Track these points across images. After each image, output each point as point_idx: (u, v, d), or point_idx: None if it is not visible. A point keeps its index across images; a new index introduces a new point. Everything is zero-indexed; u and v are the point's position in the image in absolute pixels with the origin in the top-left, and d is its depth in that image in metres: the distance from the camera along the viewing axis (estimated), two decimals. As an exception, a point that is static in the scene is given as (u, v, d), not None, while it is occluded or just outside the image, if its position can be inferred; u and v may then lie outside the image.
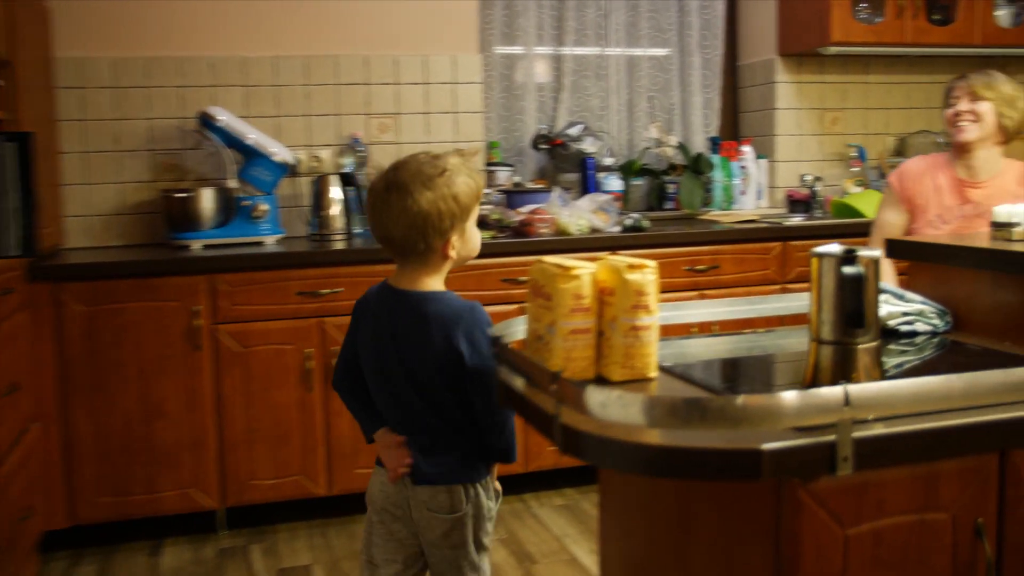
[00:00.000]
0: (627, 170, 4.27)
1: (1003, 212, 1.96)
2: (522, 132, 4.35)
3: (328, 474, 3.33)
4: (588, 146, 4.19)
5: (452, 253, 1.84)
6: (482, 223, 3.54)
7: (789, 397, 1.17)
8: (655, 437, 1.24)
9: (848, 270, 1.33)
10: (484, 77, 4.19)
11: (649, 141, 4.36)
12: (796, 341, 1.90)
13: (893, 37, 4.12)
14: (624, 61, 4.47)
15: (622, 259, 1.60)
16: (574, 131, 4.22)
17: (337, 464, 3.33)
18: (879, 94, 4.57)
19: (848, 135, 4.55)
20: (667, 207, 4.28)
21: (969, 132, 3.02)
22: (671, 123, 4.52)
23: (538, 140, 4.22)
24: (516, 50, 4.30)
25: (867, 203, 4.05)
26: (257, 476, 3.27)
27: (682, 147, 4.34)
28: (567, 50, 4.36)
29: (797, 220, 4.07)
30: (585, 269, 1.59)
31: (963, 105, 3.05)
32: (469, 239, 1.88)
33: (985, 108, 3.01)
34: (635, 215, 3.74)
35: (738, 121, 4.71)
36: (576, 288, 1.57)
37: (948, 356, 1.78)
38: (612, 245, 3.56)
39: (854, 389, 1.20)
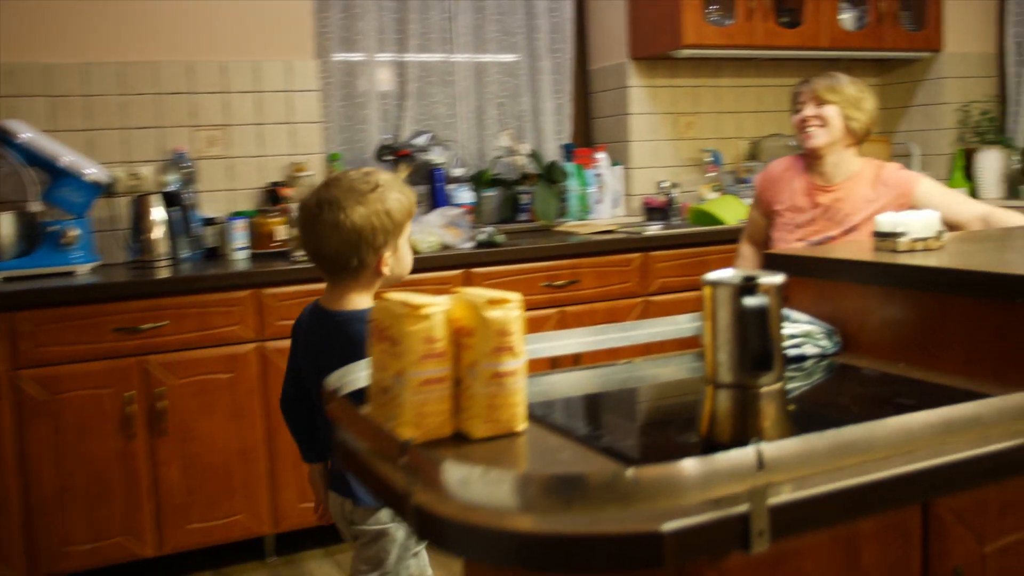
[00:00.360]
0: (478, 181, 4.04)
1: (886, 221, 1.81)
2: (365, 143, 4.06)
3: (157, 532, 2.96)
4: (436, 156, 3.94)
5: (385, 270, 1.84)
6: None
7: (691, 468, 0.95)
8: (530, 523, 1.00)
9: (750, 302, 1.11)
10: (322, 85, 3.89)
11: (500, 150, 4.14)
12: (679, 371, 1.70)
13: (744, 39, 4.04)
14: (471, 66, 4.25)
15: (480, 292, 1.35)
16: (420, 141, 3.96)
17: (168, 520, 2.97)
18: (731, 98, 4.49)
19: (703, 140, 4.45)
20: (521, 219, 4.07)
21: (817, 138, 2.92)
22: (522, 130, 4.32)
23: (382, 151, 3.95)
24: (356, 56, 4.01)
25: (725, 209, 3.95)
26: (72, 541, 2.87)
27: (534, 155, 4.14)
28: (411, 57, 4.10)
29: (656, 229, 3.92)
30: (437, 307, 1.33)
31: (809, 110, 2.95)
32: (402, 256, 1.88)
33: (831, 112, 2.91)
34: (488, 229, 3.51)
35: (591, 127, 4.55)
36: (427, 330, 1.32)
37: (843, 384, 1.61)
38: (465, 262, 3.32)
39: (768, 450, 0.99)
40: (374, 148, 3.97)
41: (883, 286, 1.71)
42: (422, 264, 3.24)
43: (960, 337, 1.57)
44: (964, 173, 4.48)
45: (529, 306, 3.29)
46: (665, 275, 3.66)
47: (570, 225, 3.98)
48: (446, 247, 3.38)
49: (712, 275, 1.17)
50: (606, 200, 4.22)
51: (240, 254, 3.45)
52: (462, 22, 4.19)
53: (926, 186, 2.86)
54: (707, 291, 1.19)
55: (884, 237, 1.81)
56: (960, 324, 1.57)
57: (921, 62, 4.59)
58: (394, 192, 1.81)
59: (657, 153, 4.35)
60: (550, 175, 4.06)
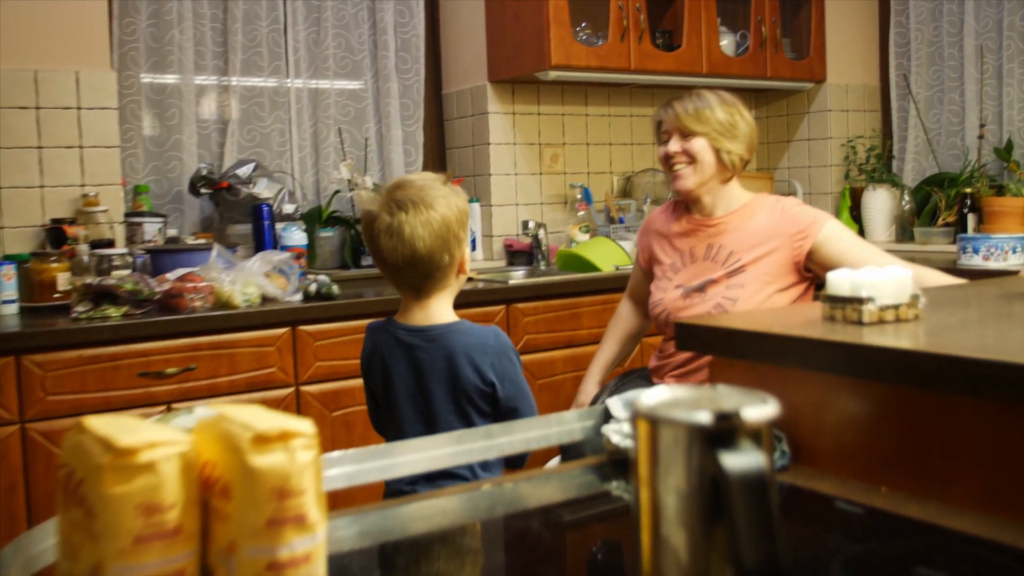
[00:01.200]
0: (313, 219, 3.44)
1: (843, 281, 1.32)
2: (178, 173, 3.42)
3: None
4: (263, 190, 3.33)
5: (467, 267, 1.83)
6: (109, 296, 2.59)
7: None
8: None
9: (736, 465, 0.58)
10: (125, 102, 3.23)
11: (340, 183, 3.55)
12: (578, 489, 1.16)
13: (618, 62, 3.59)
14: (308, 87, 3.66)
15: (249, 418, 0.79)
16: (244, 171, 3.34)
17: None
18: (601, 128, 4.04)
19: (571, 174, 3.97)
20: (365, 264, 3.49)
21: (686, 180, 2.39)
22: (367, 161, 3.75)
23: (198, 183, 3.31)
24: (169, 75, 3.37)
25: (597, 252, 3.46)
26: None
27: (380, 190, 3.57)
28: (236, 80, 3.48)
29: (520, 275, 3.41)
30: (167, 447, 0.77)
31: (674, 145, 2.41)
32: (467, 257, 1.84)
33: (699, 146, 2.38)
34: (322, 277, 2.91)
35: (446, 158, 4.01)
36: (145, 491, 0.75)
37: (811, 527, 1.09)
38: (290, 319, 2.71)
39: None
40: (188, 179, 3.33)
41: (849, 376, 1.21)
42: (236, 322, 2.62)
43: (967, 451, 1.08)
44: (851, 213, 4.14)
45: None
46: (532, 330, 3.14)
47: (422, 271, 3.42)
48: (268, 299, 2.77)
49: (650, 399, 0.64)
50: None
51: (7, 308, 2.75)
52: (295, 35, 3.61)
53: (833, 229, 2.38)
54: (643, 429, 0.64)
55: (841, 303, 1.31)
56: (967, 432, 1.08)
57: (802, 93, 4.25)
58: (454, 190, 1.79)
59: (520, 188, 3.85)
60: (398, 213, 3.49)
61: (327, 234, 3.45)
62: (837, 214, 4.18)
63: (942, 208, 3.82)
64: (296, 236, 3.25)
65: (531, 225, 3.70)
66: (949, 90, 4.08)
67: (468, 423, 1.78)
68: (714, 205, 2.43)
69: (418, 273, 1.75)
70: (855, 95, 4.27)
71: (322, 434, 2.25)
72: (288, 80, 3.61)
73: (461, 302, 2.94)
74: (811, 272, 2.31)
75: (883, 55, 4.32)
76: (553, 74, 3.50)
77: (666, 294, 2.43)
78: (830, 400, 1.23)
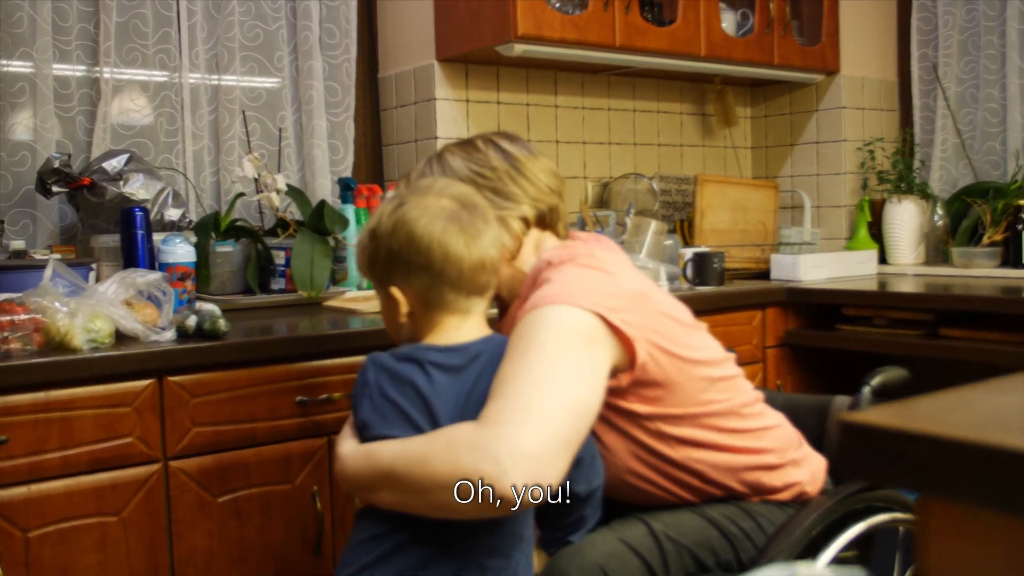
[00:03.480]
0: (208, 229, 2.63)
1: None
2: (22, 165, 2.60)
3: None
4: (137, 189, 2.53)
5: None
6: None
7: None
8: None
9: None
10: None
11: (244, 183, 2.76)
12: None
13: (599, 35, 2.85)
14: (204, 62, 2.87)
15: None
16: (113, 165, 2.54)
17: None
18: (572, 122, 3.30)
19: (536, 179, 3.22)
20: (275, 288, 2.69)
21: None
22: (280, 157, 2.96)
23: (48, 179, 2.49)
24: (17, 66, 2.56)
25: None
26: None
27: (296, 193, 2.79)
28: (112, 54, 2.68)
29: None
30: None
31: None
32: None
33: None
34: (208, 307, 2.11)
35: (382, 157, 3.24)
36: None
37: None
38: (156, 367, 1.91)
39: None
40: (37, 172, 2.52)
41: None
42: (75, 371, 1.82)
43: None
44: (869, 230, 3.45)
45: (262, 439, 1.91)
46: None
47: (347, 298, 2.64)
48: (125, 339, 1.96)
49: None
50: (403, 260, 2.91)
51: None
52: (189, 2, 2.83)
53: (527, 322, 1.44)
54: None
55: None
56: None
57: (810, 88, 3.56)
58: None
59: (475, 195, 3.09)
60: (318, 223, 2.70)
61: (226, 249, 2.64)
62: (854, 231, 3.48)
63: (987, 224, 3.14)
64: (181, 251, 2.43)
65: (489, 240, 2.94)
66: (986, 85, 3.41)
67: None
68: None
69: (480, 284, 1.48)
70: (871, 91, 3.60)
71: (204, 527, 1.35)
72: (180, 53, 2.82)
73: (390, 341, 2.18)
74: None
75: (903, 44, 3.65)
76: (520, 48, 2.75)
77: None
78: None
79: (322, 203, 2.69)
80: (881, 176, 3.46)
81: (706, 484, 1.62)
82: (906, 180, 3.34)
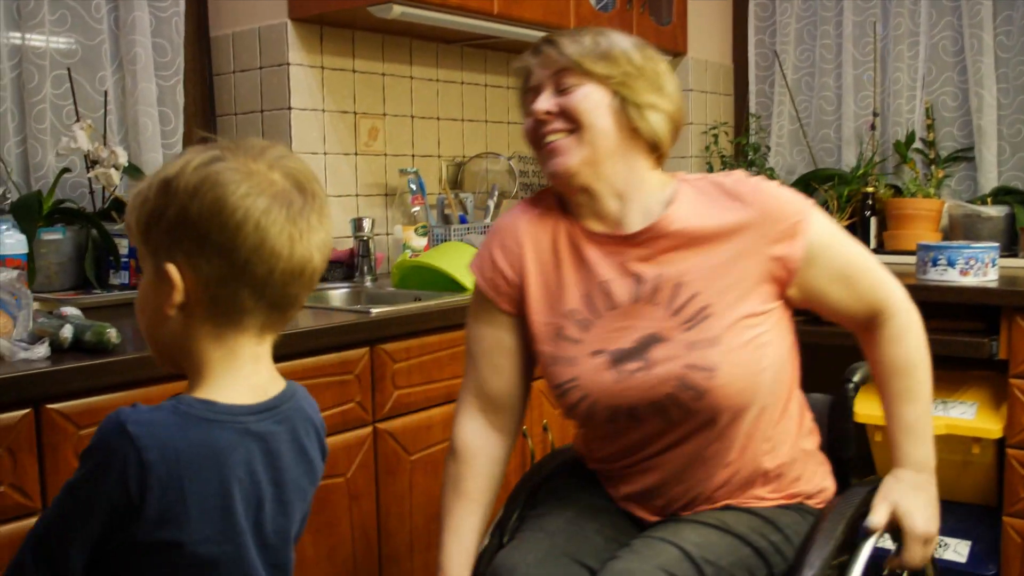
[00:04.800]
0: (31, 213, 2.15)
1: None
2: None
3: None
4: (-58, 162, 2.02)
5: None
6: None
7: None
8: None
9: None
10: None
11: (72, 154, 2.29)
12: None
13: (479, 2, 2.61)
14: (8, 20, 2.35)
15: None
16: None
17: None
18: (427, 96, 3.03)
19: (392, 156, 2.93)
20: (118, 283, 2.25)
21: (566, 155, 1.44)
22: (106, 126, 2.49)
23: None
24: None
25: (454, 262, 2.46)
26: None
27: (132, 170, 2.35)
28: None
29: (340, 298, 2.39)
30: None
31: (545, 101, 1.45)
32: None
33: (589, 100, 1.42)
34: (72, 312, 1.69)
35: (216, 128, 2.82)
36: None
37: None
38: (34, 395, 1.49)
39: None
40: None
41: None
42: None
43: None
44: (716, 215, 3.44)
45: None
46: (404, 383, 2.09)
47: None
48: (-21, 358, 1.52)
49: None
50: (258, 248, 2.55)
51: None
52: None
53: (821, 226, 1.47)
54: None
55: None
56: None
57: (655, 69, 3.49)
58: None
59: (331, 174, 2.76)
60: (166, 204, 2.29)
61: (54, 236, 2.17)
62: (699, 216, 3.46)
63: (834, 210, 3.20)
64: (10, 240, 1.96)
65: (367, 225, 2.63)
66: (822, 74, 3.48)
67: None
68: (624, 207, 1.48)
69: (291, 304, 1.11)
70: (712, 74, 3.59)
71: None
72: (-27, -6, 2.29)
73: (300, 348, 1.88)
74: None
75: (739, 29, 3.66)
76: (398, 9, 2.45)
77: (580, 366, 1.48)
78: None
79: (173, 182, 2.27)
80: (725, 161, 3.46)
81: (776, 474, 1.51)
82: (757, 164, 3.35)
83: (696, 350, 1.41)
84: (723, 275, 1.43)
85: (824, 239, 1.45)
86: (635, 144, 1.45)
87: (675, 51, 3.37)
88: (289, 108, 2.62)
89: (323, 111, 2.71)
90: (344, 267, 2.68)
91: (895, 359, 1.50)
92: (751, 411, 1.44)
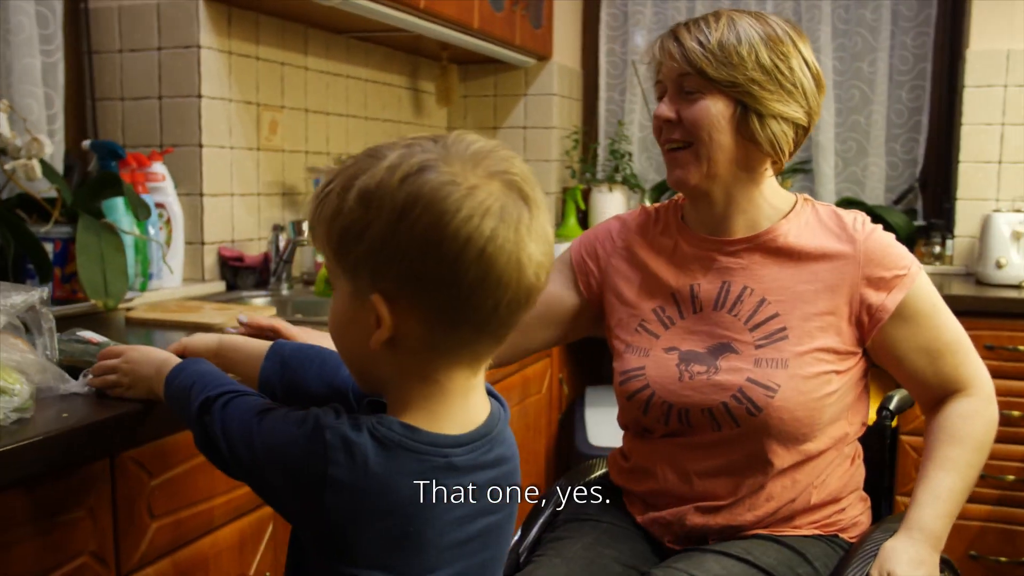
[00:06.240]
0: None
1: None
2: None
3: None
4: None
5: None
6: None
7: None
8: None
9: None
10: None
11: (-17, 144, 1.91)
12: None
13: (411, -4, 2.48)
14: None
15: None
16: None
17: None
18: (318, 88, 2.83)
19: (288, 153, 2.71)
20: (62, 294, 1.91)
21: (685, 169, 1.44)
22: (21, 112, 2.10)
23: None
24: None
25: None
26: None
27: (39, 161, 2.00)
28: None
29: (263, 305, 2.21)
30: None
31: (666, 107, 1.44)
32: None
33: (710, 117, 1.41)
34: (99, 339, 1.43)
35: (95, 116, 2.46)
36: None
37: None
38: (109, 442, 1.25)
39: None
40: None
41: None
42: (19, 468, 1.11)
43: None
44: (579, 220, 3.49)
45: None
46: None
47: (143, 308, 1.98)
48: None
49: None
50: (175, 254, 2.26)
51: None
52: None
53: (923, 290, 1.47)
54: None
55: None
56: None
57: (519, 71, 3.47)
58: None
59: (237, 171, 2.51)
60: (90, 204, 1.97)
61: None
62: (562, 219, 3.50)
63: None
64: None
65: (288, 229, 2.41)
66: (671, 84, 3.63)
67: None
68: (733, 212, 1.50)
69: (518, 317, 0.96)
70: (569, 80, 3.63)
71: None
72: None
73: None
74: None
75: (589, 36, 3.73)
76: (337, -4, 2.28)
77: (650, 358, 1.50)
78: None
79: (109, 177, 1.97)
80: (584, 167, 3.52)
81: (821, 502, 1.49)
82: (623, 169, 3.44)
83: (762, 368, 1.42)
84: (808, 303, 1.44)
85: (922, 306, 1.44)
86: (755, 152, 1.44)
87: (544, 55, 3.38)
88: (199, 96, 2.35)
89: (230, 101, 2.45)
90: (257, 273, 2.45)
91: (957, 431, 1.45)
92: (803, 446, 1.43)
